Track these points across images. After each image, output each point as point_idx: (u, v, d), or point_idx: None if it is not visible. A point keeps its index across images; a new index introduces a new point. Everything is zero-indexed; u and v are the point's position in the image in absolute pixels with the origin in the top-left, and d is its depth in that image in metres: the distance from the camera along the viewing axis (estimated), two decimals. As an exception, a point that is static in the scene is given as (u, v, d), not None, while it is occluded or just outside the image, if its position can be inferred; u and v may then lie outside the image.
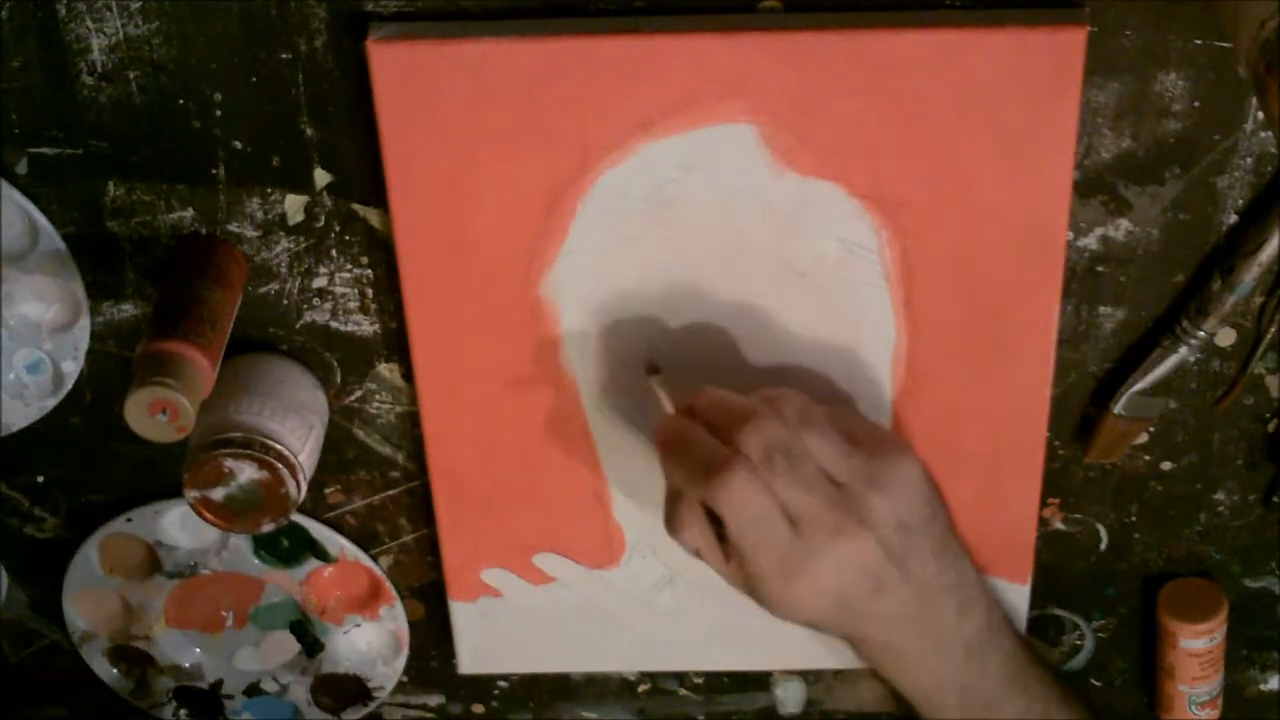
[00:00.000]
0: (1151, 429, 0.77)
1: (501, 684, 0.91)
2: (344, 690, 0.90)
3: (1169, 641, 0.82)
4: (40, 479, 0.82)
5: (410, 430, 0.79)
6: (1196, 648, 0.81)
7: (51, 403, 0.77)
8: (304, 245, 0.73)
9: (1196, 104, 0.67)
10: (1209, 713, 0.83)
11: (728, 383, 0.74)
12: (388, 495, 0.82)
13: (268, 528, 0.73)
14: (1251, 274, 0.70)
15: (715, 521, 0.66)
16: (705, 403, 0.68)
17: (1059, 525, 0.81)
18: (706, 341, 0.73)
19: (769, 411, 0.66)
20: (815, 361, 0.73)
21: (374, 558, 0.84)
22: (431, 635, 0.87)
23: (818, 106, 0.66)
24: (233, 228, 0.72)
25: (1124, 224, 0.70)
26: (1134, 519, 0.81)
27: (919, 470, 0.68)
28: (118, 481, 0.82)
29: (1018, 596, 0.80)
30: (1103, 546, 0.82)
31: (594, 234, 0.70)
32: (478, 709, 0.92)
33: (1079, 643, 0.86)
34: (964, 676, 0.72)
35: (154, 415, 0.65)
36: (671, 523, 0.68)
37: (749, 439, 0.65)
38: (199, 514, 0.73)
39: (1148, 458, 0.78)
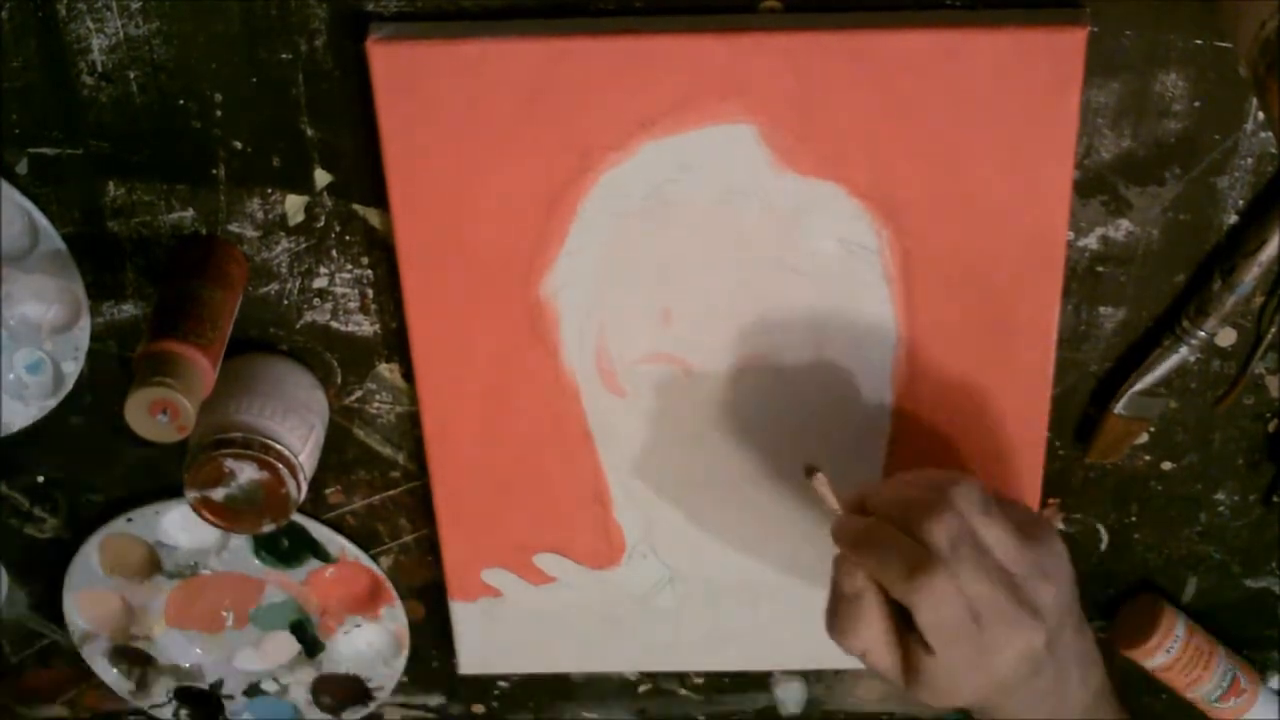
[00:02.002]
0: (1152, 429, 0.77)
1: (501, 684, 0.91)
2: (344, 690, 0.90)
3: (1142, 667, 0.82)
4: (40, 479, 0.82)
5: (410, 430, 0.79)
6: (1161, 663, 0.82)
7: (51, 403, 0.77)
8: (304, 245, 0.73)
9: (1196, 104, 0.67)
10: (1235, 701, 0.83)
11: (728, 382, 0.74)
12: (388, 495, 0.82)
13: (268, 528, 0.73)
14: (1252, 274, 0.70)
15: (894, 620, 0.66)
16: (883, 497, 0.68)
17: (1059, 525, 0.81)
18: (706, 342, 0.73)
19: (946, 502, 0.65)
20: (815, 361, 0.73)
21: (374, 558, 0.84)
22: (431, 635, 0.87)
23: (818, 106, 0.66)
24: (233, 228, 0.72)
25: (1124, 224, 0.70)
26: (1134, 519, 0.81)
27: (1067, 554, 0.69)
28: (118, 481, 0.82)
29: (1018, 596, 0.81)
30: (1103, 546, 0.82)
31: (594, 234, 0.70)
32: (478, 709, 0.92)
33: (1079, 643, 0.86)
34: None
35: (154, 415, 0.65)
36: (845, 625, 0.67)
37: (936, 534, 0.64)
38: (199, 514, 0.73)
39: (1148, 458, 0.78)
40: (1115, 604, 0.84)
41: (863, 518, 0.68)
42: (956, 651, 0.65)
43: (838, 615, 0.68)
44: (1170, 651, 0.81)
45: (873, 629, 0.67)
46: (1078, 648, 0.69)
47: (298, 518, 0.82)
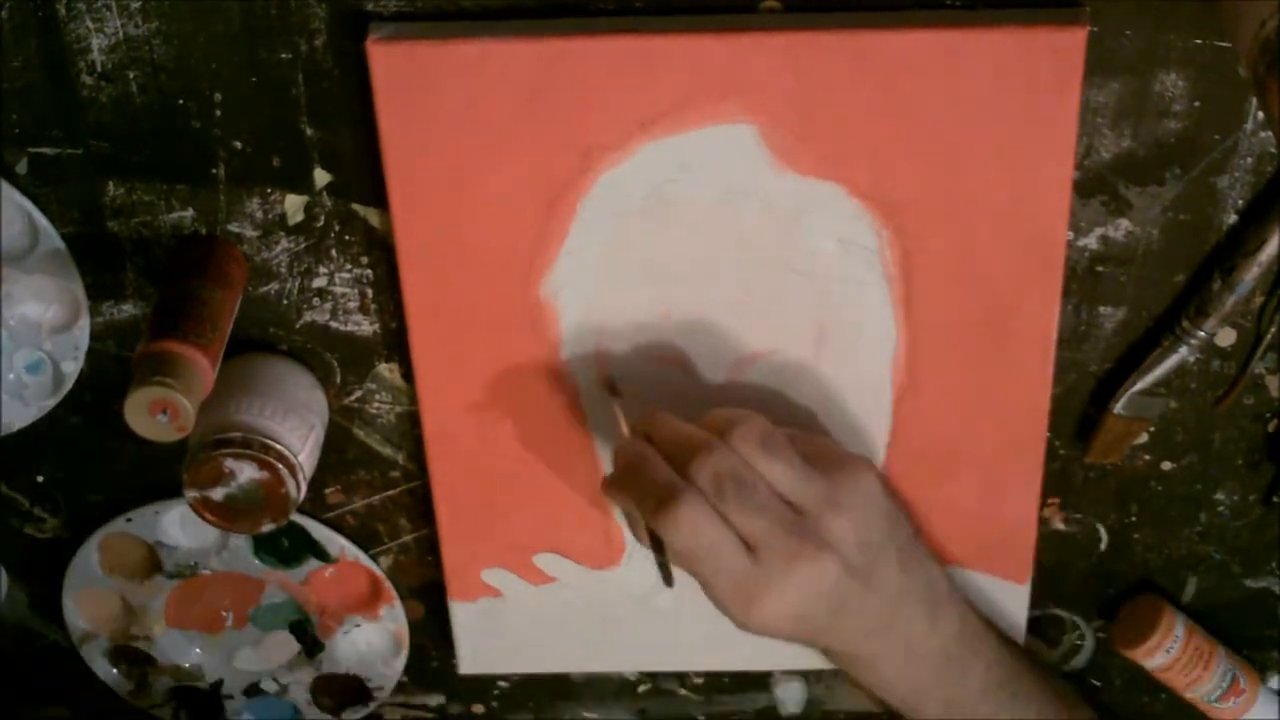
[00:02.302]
0: (1151, 429, 0.77)
1: (501, 684, 0.91)
2: (344, 690, 0.90)
3: (1143, 667, 0.82)
4: (40, 479, 0.82)
5: (410, 430, 0.79)
6: (1161, 663, 0.82)
7: (51, 403, 0.77)
8: (304, 245, 0.73)
9: (1196, 104, 0.67)
10: (1234, 701, 0.83)
11: (728, 382, 0.74)
12: (388, 495, 0.82)
13: (267, 528, 0.73)
14: (1251, 274, 0.70)
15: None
16: (661, 431, 0.69)
17: (1059, 525, 0.81)
18: (706, 342, 0.73)
19: (722, 439, 0.67)
20: (815, 361, 0.73)
21: (374, 558, 0.84)
22: (431, 635, 0.87)
23: (818, 106, 0.66)
24: (233, 228, 0.72)
25: (1124, 224, 0.70)
26: (1134, 519, 0.81)
27: (877, 485, 0.70)
28: (118, 481, 0.82)
29: (1018, 596, 0.80)
30: (1103, 546, 0.82)
31: (594, 234, 0.70)
32: (478, 709, 0.92)
33: (1079, 643, 0.86)
34: (943, 683, 0.73)
35: (154, 415, 0.65)
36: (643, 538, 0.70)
37: (701, 469, 0.66)
38: (199, 514, 0.73)
39: (1148, 458, 0.78)
40: (1115, 604, 0.84)
41: (640, 444, 0.69)
42: (724, 581, 0.67)
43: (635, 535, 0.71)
44: (1170, 652, 0.81)
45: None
46: (907, 585, 0.70)
47: (298, 518, 0.82)
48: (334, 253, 0.73)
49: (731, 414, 0.68)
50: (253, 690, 0.91)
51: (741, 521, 0.66)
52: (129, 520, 0.83)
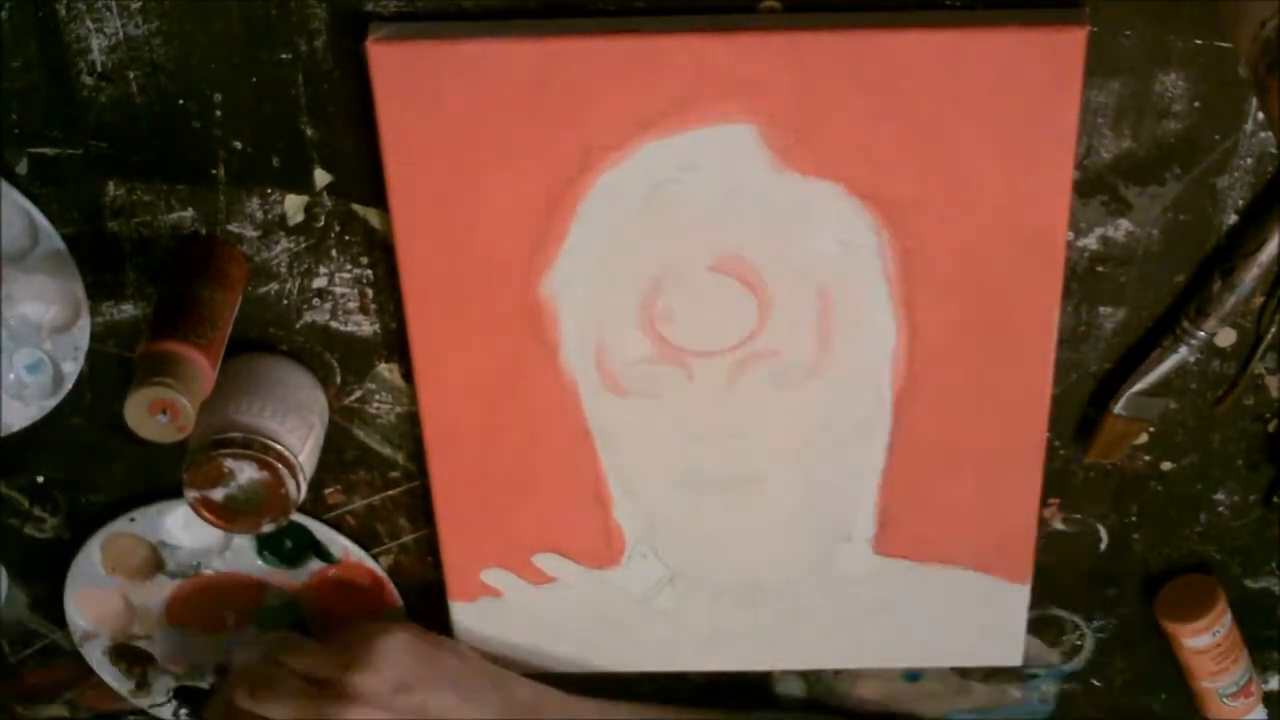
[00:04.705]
0: (1151, 429, 0.77)
1: (502, 684, 0.91)
2: (344, 690, 0.90)
3: (1175, 644, 0.82)
4: (40, 479, 0.82)
5: (410, 430, 0.79)
6: (1201, 645, 0.81)
7: (51, 403, 0.77)
8: (304, 245, 0.73)
9: (1196, 104, 0.67)
10: (1243, 701, 0.83)
11: (728, 382, 0.74)
12: (388, 495, 0.82)
13: (268, 528, 0.73)
14: (1251, 274, 0.70)
15: None
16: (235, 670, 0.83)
17: (1059, 525, 0.81)
18: (706, 342, 0.73)
19: (236, 674, 0.79)
20: (815, 362, 0.73)
21: (374, 558, 0.84)
22: (432, 635, 0.87)
23: (818, 106, 0.66)
24: (233, 228, 0.72)
25: (1124, 224, 0.70)
26: (1134, 519, 0.81)
27: (404, 637, 0.79)
28: (118, 481, 0.82)
29: (1018, 596, 0.81)
30: (1103, 546, 0.82)
31: (594, 234, 0.70)
32: (478, 709, 0.92)
33: (1079, 643, 0.86)
34: None
35: (154, 415, 0.65)
36: None
37: (237, 686, 0.78)
38: (199, 514, 0.73)
39: (1148, 458, 0.78)
40: (1114, 604, 0.84)
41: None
42: None
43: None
44: (1215, 635, 0.81)
45: None
46: (476, 710, 0.79)
47: (301, 518, 0.82)
48: (334, 253, 0.73)
49: (250, 655, 0.82)
50: (253, 690, 0.91)
51: (277, 712, 0.76)
52: (132, 520, 0.83)
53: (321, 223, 0.72)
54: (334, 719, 0.75)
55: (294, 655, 0.79)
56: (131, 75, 0.68)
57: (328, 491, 0.82)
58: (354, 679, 0.76)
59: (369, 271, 0.73)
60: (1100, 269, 0.72)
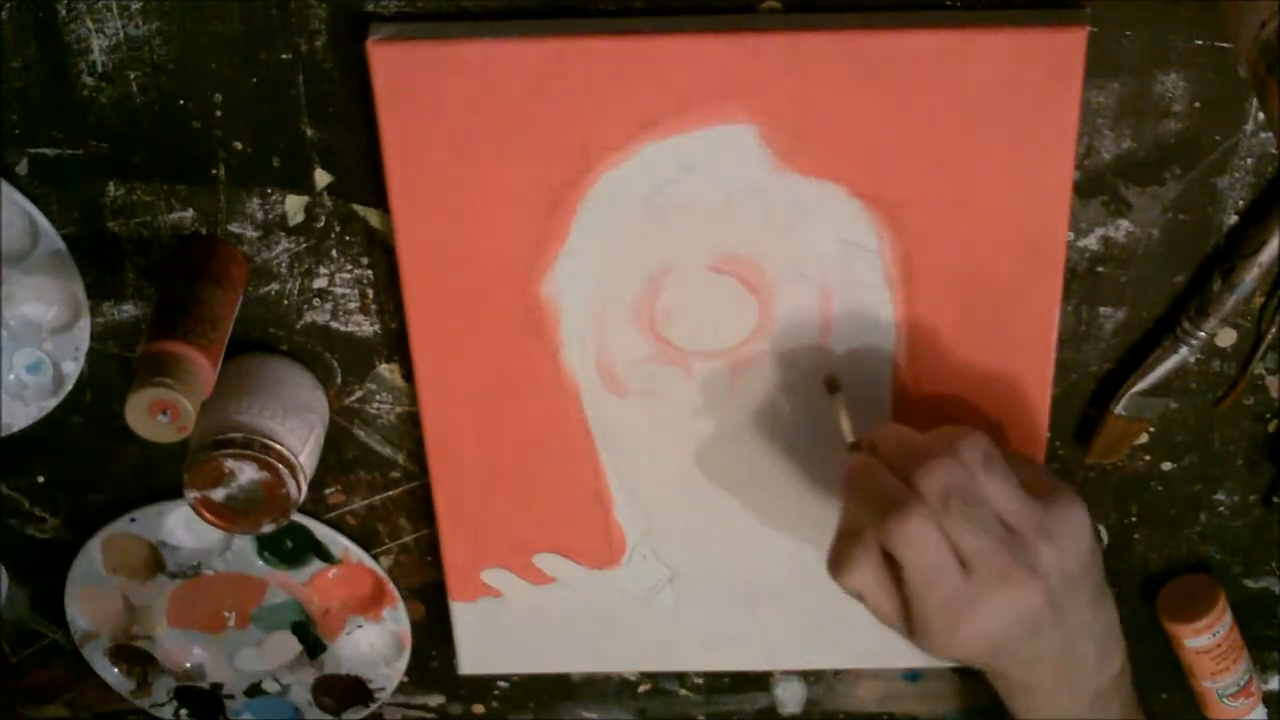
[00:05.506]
0: (1151, 429, 0.77)
1: (501, 684, 0.91)
2: (345, 691, 0.90)
3: (1176, 644, 0.82)
4: (40, 479, 0.82)
5: (410, 430, 0.79)
6: (1202, 645, 0.81)
7: (52, 403, 0.77)
8: (304, 246, 0.73)
9: (1197, 104, 0.67)
10: (1243, 701, 0.83)
11: (728, 382, 0.74)
12: (388, 495, 0.82)
13: (268, 528, 0.73)
14: (1251, 274, 0.70)
15: (888, 563, 0.66)
16: (886, 441, 0.68)
17: (1060, 525, 0.81)
18: (706, 342, 0.73)
19: (948, 453, 0.66)
20: (816, 361, 0.73)
21: (374, 558, 0.84)
22: (432, 635, 0.87)
23: (818, 107, 0.66)
24: (233, 228, 0.72)
25: (1124, 224, 0.70)
26: (1134, 519, 0.81)
27: (1087, 519, 0.68)
28: (118, 482, 0.82)
29: (1018, 596, 0.81)
30: (1103, 546, 0.82)
31: (594, 234, 0.70)
32: (478, 709, 0.92)
33: (1079, 643, 0.86)
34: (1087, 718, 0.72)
35: (154, 416, 0.65)
36: (839, 561, 0.68)
37: (927, 480, 0.65)
38: (199, 514, 0.73)
39: (1148, 458, 0.78)
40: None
41: (868, 456, 0.68)
42: (938, 596, 0.65)
43: (835, 552, 0.68)
44: (1216, 635, 0.81)
45: (864, 569, 0.67)
46: (1091, 623, 0.69)
47: (302, 519, 0.82)
48: (334, 253, 0.73)
49: (956, 430, 0.67)
50: (254, 690, 0.91)
51: (962, 538, 0.65)
52: (133, 520, 0.83)
53: (322, 223, 0.72)
54: (1016, 581, 0.65)
55: (994, 481, 0.66)
56: (132, 76, 0.68)
57: (328, 492, 0.82)
58: (1042, 548, 0.66)
59: (369, 272, 0.73)
60: (1100, 269, 0.72)
